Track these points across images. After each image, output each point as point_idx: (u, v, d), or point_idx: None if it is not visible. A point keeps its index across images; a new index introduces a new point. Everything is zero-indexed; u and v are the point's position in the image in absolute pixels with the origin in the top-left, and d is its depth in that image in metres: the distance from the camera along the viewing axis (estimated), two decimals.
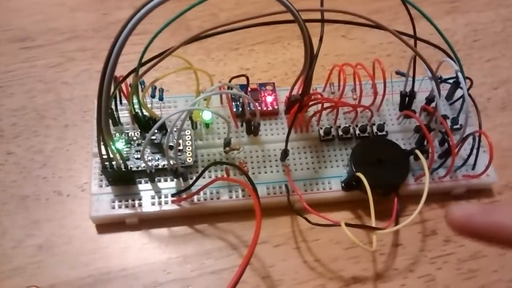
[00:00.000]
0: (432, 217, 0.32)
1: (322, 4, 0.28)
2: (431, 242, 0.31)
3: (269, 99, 0.34)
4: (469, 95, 0.31)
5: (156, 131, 0.31)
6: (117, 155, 0.28)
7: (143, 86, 0.31)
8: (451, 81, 0.34)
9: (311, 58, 0.27)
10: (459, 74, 0.29)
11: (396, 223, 0.30)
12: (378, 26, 0.27)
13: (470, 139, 0.31)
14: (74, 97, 0.35)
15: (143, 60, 0.27)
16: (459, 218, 0.21)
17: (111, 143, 0.27)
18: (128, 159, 0.30)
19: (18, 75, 0.36)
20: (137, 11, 0.22)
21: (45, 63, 0.37)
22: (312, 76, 0.28)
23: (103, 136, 0.26)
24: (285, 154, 0.31)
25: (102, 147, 0.27)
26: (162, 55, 0.25)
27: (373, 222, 0.28)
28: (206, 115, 0.31)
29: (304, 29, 0.25)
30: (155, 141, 0.31)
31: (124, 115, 0.33)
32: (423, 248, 0.31)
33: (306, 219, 0.29)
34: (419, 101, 0.34)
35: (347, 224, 0.27)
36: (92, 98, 0.35)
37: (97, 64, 0.37)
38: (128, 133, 0.32)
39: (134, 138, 0.32)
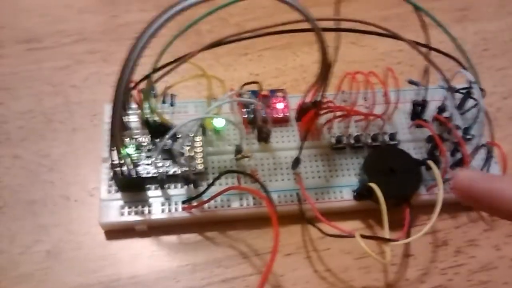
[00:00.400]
0: (443, 228, 0.32)
1: (338, 14, 0.28)
2: (442, 253, 0.31)
3: (280, 106, 0.33)
4: None
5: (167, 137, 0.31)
6: (128, 161, 0.28)
7: (154, 92, 0.30)
8: (462, 91, 0.33)
9: (326, 66, 0.27)
10: (475, 86, 0.29)
11: (408, 234, 0.29)
12: (393, 36, 0.27)
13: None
14: (82, 101, 0.35)
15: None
16: (462, 182, 0.22)
17: (123, 149, 0.26)
18: (138, 165, 0.30)
19: (25, 77, 0.36)
20: (163, 12, 0.21)
21: (53, 65, 0.37)
22: (327, 84, 0.28)
23: (116, 141, 0.25)
24: (297, 162, 0.31)
25: (113, 153, 0.26)
26: (178, 61, 0.25)
27: (386, 233, 0.28)
28: (219, 122, 0.31)
29: (322, 37, 0.25)
30: (166, 147, 0.31)
31: (133, 120, 0.32)
32: (434, 259, 0.31)
33: (319, 229, 0.29)
34: (430, 110, 0.34)
35: (362, 236, 0.27)
36: (101, 102, 0.34)
37: (106, 67, 0.37)
38: (137, 139, 0.31)
39: (144, 143, 0.31)
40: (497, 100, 0.37)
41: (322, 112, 0.31)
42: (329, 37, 0.26)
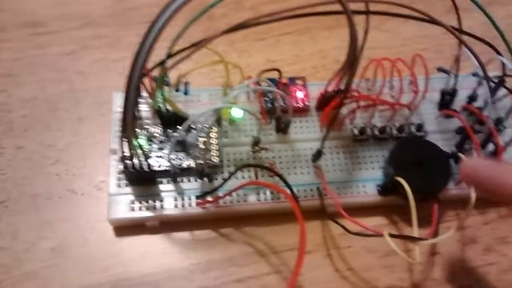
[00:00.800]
0: (471, 224, 0.30)
1: None
2: (470, 251, 0.29)
3: (300, 94, 0.32)
4: None
5: (179, 127, 0.29)
6: (140, 153, 0.26)
7: (167, 80, 0.29)
8: (495, 79, 0.32)
9: (355, 52, 0.25)
10: None
11: (436, 232, 0.28)
12: (431, 20, 0.25)
13: None
14: (89, 88, 0.33)
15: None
16: (467, 168, 0.24)
17: (134, 141, 0.24)
18: (150, 157, 0.28)
19: (28, 63, 0.34)
20: None
21: (58, 50, 0.35)
22: (355, 72, 0.26)
23: (127, 133, 0.23)
24: (318, 154, 0.29)
25: (124, 145, 0.25)
26: (194, 46, 0.23)
27: (415, 232, 0.26)
28: (237, 112, 0.29)
29: (353, 21, 0.23)
30: (178, 139, 0.29)
31: (143, 109, 0.31)
32: (462, 258, 0.29)
33: (344, 227, 0.27)
34: (458, 99, 0.32)
35: (391, 235, 0.25)
36: (109, 90, 0.32)
37: (113, 53, 0.35)
38: (148, 129, 0.30)
39: (156, 134, 0.29)
40: None
41: (346, 101, 0.29)
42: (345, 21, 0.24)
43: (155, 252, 0.28)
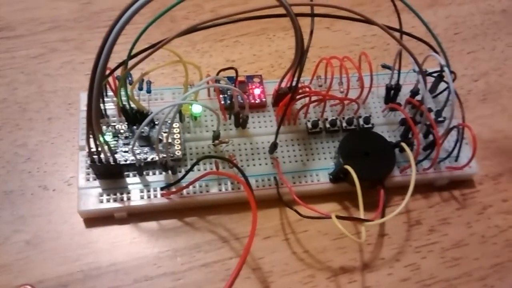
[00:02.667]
0: (416, 208, 0.33)
1: None
2: (415, 232, 0.32)
3: (257, 91, 0.34)
4: None
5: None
6: (106, 149, 0.28)
7: (130, 79, 0.30)
8: (434, 74, 0.34)
9: (301, 52, 0.27)
10: (446, 69, 0.29)
11: (383, 215, 0.30)
12: (367, 21, 0.27)
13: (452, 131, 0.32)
14: (57, 89, 0.35)
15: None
16: None
17: (101, 136, 0.26)
18: (116, 153, 0.30)
19: None
20: None
21: (26, 54, 0.36)
22: (302, 69, 0.28)
23: (93, 129, 0.25)
24: (274, 146, 0.31)
25: (91, 141, 0.26)
26: (153, 47, 0.25)
27: (361, 214, 0.29)
28: (196, 108, 0.31)
29: (296, 24, 0.25)
30: (143, 134, 0.31)
31: (110, 108, 0.32)
32: (408, 238, 0.31)
33: (296, 211, 0.29)
34: (403, 94, 0.34)
35: (338, 217, 0.28)
36: (76, 90, 0.34)
37: (80, 55, 0.36)
38: (115, 126, 0.31)
39: (121, 131, 0.31)
40: (467, 82, 0.38)
41: (298, 96, 0.31)
42: (303, 22, 0.26)
43: (124, 241, 0.30)
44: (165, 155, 0.29)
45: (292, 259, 0.30)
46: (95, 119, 0.24)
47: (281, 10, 0.25)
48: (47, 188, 0.31)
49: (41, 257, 0.29)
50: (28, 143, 0.33)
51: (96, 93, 0.23)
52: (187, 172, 0.29)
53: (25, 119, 0.33)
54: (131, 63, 0.27)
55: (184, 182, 0.29)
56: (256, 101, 0.34)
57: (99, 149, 0.27)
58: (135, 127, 0.31)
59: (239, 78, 0.33)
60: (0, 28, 0.37)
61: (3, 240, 0.29)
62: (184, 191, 0.30)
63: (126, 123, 0.31)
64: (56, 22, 0.38)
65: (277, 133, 0.30)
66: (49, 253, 0.29)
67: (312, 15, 0.27)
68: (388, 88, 0.34)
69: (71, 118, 0.34)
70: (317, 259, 0.30)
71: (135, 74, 0.30)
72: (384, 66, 0.34)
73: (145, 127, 0.31)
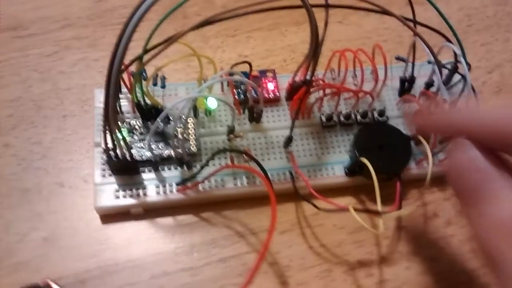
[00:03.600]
0: (433, 200, 0.32)
1: None
2: (433, 224, 0.32)
3: (270, 86, 0.34)
4: None
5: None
6: (123, 145, 0.28)
7: (144, 75, 0.30)
8: (448, 65, 0.34)
9: (316, 43, 0.27)
10: (462, 60, 0.29)
11: (399, 207, 0.30)
12: (384, 11, 0.27)
13: None
14: (71, 87, 0.35)
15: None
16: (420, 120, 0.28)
17: (118, 132, 0.26)
18: (132, 148, 0.30)
19: (11, 65, 0.35)
20: None
21: (40, 52, 0.36)
22: (317, 62, 0.28)
23: (110, 125, 0.25)
24: (289, 140, 0.31)
25: (107, 137, 0.26)
26: (168, 41, 0.25)
27: (378, 206, 0.29)
28: (212, 102, 0.31)
29: (312, 15, 0.25)
30: (158, 130, 0.31)
31: (123, 104, 0.32)
32: (425, 231, 0.31)
33: (313, 204, 0.29)
34: (418, 86, 0.34)
35: (355, 209, 0.27)
36: (91, 87, 0.34)
37: (93, 52, 0.36)
38: (129, 122, 0.31)
39: (136, 127, 0.31)
40: (481, 74, 0.38)
41: (312, 89, 0.31)
42: (316, 15, 0.26)
43: (140, 237, 0.30)
44: (180, 151, 0.29)
45: (309, 253, 0.30)
46: (112, 115, 0.24)
47: (293, 2, 0.25)
48: (63, 185, 0.31)
49: (59, 254, 0.29)
50: (43, 140, 0.33)
51: (113, 88, 0.23)
52: (202, 167, 0.29)
53: (40, 117, 0.33)
54: (145, 58, 0.27)
55: (199, 177, 0.29)
56: (270, 96, 0.33)
57: (116, 145, 0.27)
58: (149, 122, 0.31)
59: (253, 73, 0.33)
60: (13, 27, 0.37)
61: (21, 237, 0.29)
62: (200, 186, 0.30)
63: (140, 119, 0.31)
64: (69, 20, 0.38)
65: (292, 127, 0.30)
66: (66, 249, 0.29)
67: (327, 5, 0.27)
68: (402, 80, 0.34)
69: (86, 115, 0.34)
70: (333, 253, 0.30)
71: (149, 70, 0.30)
72: (398, 58, 0.33)
73: (160, 123, 0.31)
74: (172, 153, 0.30)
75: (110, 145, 0.27)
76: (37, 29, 0.37)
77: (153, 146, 0.30)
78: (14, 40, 0.37)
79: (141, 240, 0.30)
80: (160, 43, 0.26)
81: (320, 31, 0.27)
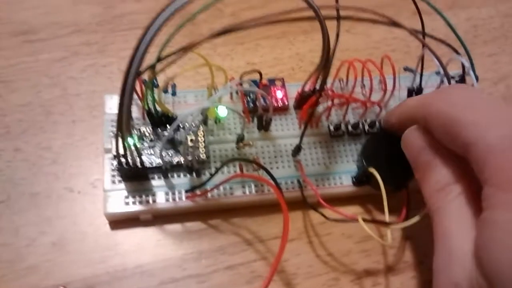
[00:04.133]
0: None
1: (337, 1, 0.29)
2: None
3: (279, 94, 0.34)
4: None
5: (168, 127, 0.31)
6: (134, 152, 0.28)
7: (155, 82, 0.31)
8: (456, 77, 0.34)
9: (327, 55, 0.27)
10: (471, 72, 0.29)
11: (407, 217, 0.30)
12: (393, 23, 0.27)
13: None
14: (81, 92, 0.35)
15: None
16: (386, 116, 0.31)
17: (131, 140, 0.26)
18: (142, 155, 0.30)
19: (21, 69, 0.36)
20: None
21: (49, 57, 0.36)
22: (329, 72, 0.28)
23: (122, 132, 0.25)
24: (298, 149, 0.32)
25: (119, 143, 0.27)
26: (182, 50, 0.25)
27: (386, 217, 0.29)
28: (222, 111, 0.31)
29: (325, 26, 0.26)
30: (168, 137, 0.31)
31: (133, 110, 0.32)
32: (432, 240, 0.31)
33: (322, 214, 0.30)
34: None
35: (364, 220, 0.28)
36: (100, 93, 0.34)
37: (102, 58, 0.37)
38: (139, 129, 0.31)
39: (146, 134, 0.31)
40: (488, 85, 0.38)
41: (321, 99, 0.31)
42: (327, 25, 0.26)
43: (149, 243, 0.30)
44: (190, 158, 0.29)
45: (316, 262, 0.30)
46: (125, 123, 0.24)
47: (304, 13, 0.26)
48: (72, 190, 0.31)
49: (67, 259, 0.29)
50: (52, 145, 0.33)
51: (128, 96, 0.23)
52: (212, 176, 0.29)
53: (50, 122, 0.34)
54: (159, 66, 0.27)
55: (209, 185, 0.30)
56: (279, 104, 0.34)
57: (127, 151, 0.27)
58: (159, 129, 0.31)
59: (262, 81, 0.34)
60: (24, 31, 0.37)
61: (30, 241, 0.29)
62: (209, 194, 0.30)
63: (150, 126, 0.32)
64: (78, 26, 0.38)
65: (302, 136, 0.30)
66: (75, 254, 0.29)
67: (338, 17, 0.27)
68: (410, 91, 0.34)
69: (95, 120, 0.34)
70: (341, 262, 0.30)
71: (159, 77, 0.30)
72: (407, 69, 0.34)
73: (170, 130, 0.31)
74: (182, 160, 0.30)
75: (121, 151, 0.27)
76: (47, 34, 0.37)
77: (163, 153, 0.31)
78: (24, 45, 0.37)
79: (150, 246, 0.30)
80: (174, 52, 0.26)
81: (330, 42, 0.27)
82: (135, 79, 0.23)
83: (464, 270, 0.22)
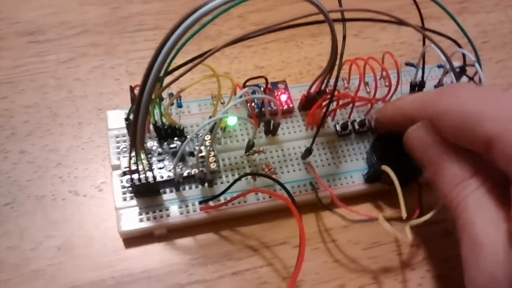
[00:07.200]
0: None
1: (340, 4, 0.29)
2: (447, 242, 0.31)
3: (283, 97, 0.34)
4: None
5: (176, 138, 0.31)
6: (146, 167, 0.28)
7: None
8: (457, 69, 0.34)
9: (335, 57, 0.27)
10: (477, 65, 0.31)
11: (421, 211, 0.29)
12: (400, 22, 0.27)
13: None
14: (87, 94, 0.35)
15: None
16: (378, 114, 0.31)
17: (144, 157, 0.26)
18: (152, 170, 0.30)
19: (28, 70, 0.35)
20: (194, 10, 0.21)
21: (56, 58, 0.36)
22: (339, 74, 0.28)
23: (137, 149, 0.25)
24: (308, 152, 0.31)
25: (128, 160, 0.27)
26: (191, 62, 0.25)
27: (403, 213, 0.28)
28: (232, 120, 0.31)
29: (333, 29, 0.26)
30: (176, 149, 0.31)
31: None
32: (442, 243, 0.31)
33: (340, 215, 0.29)
34: (427, 89, 0.34)
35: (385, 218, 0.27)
36: (107, 95, 0.34)
37: (109, 60, 0.36)
38: (146, 143, 0.31)
39: (153, 147, 0.31)
40: None
41: (328, 100, 0.31)
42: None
43: (156, 248, 0.30)
44: (201, 169, 0.29)
45: (323, 268, 0.30)
46: (140, 138, 0.24)
47: (310, 18, 0.26)
48: (78, 194, 0.31)
49: (73, 263, 0.29)
50: (59, 148, 0.33)
51: (142, 116, 0.23)
52: (226, 189, 0.29)
53: (56, 124, 0.33)
54: (169, 79, 0.26)
55: (222, 197, 0.30)
56: (284, 107, 0.34)
57: (139, 168, 0.27)
58: (166, 142, 0.31)
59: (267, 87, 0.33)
60: (31, 31, 0.37)
61: (36, 245, 0.29)
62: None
63: (157, 139, 0.31)
64: (85, 26, 0.38)
65: (314, 139, 0.30)
66: (81, 259, 0.29)
67: (344, 20, 0.27)
68: (413, 85, 0.34)
69: (102, 123, 0.34)
70: (348, 268, 0.30)
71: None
72: (408, 64, 0.34)
73: (177, 142, 0.31)
74: (192, 171, 0.30)
75: (133, 168, 0.27)
76: (54, 35, 0.37)
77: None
78: (31, 45, 0.37)
79: (156, 251, 0.30)
80: (183, 63, 0.26)
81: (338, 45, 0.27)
82: (151, 95, 0.22)
83: (497, 261, 0.22)
